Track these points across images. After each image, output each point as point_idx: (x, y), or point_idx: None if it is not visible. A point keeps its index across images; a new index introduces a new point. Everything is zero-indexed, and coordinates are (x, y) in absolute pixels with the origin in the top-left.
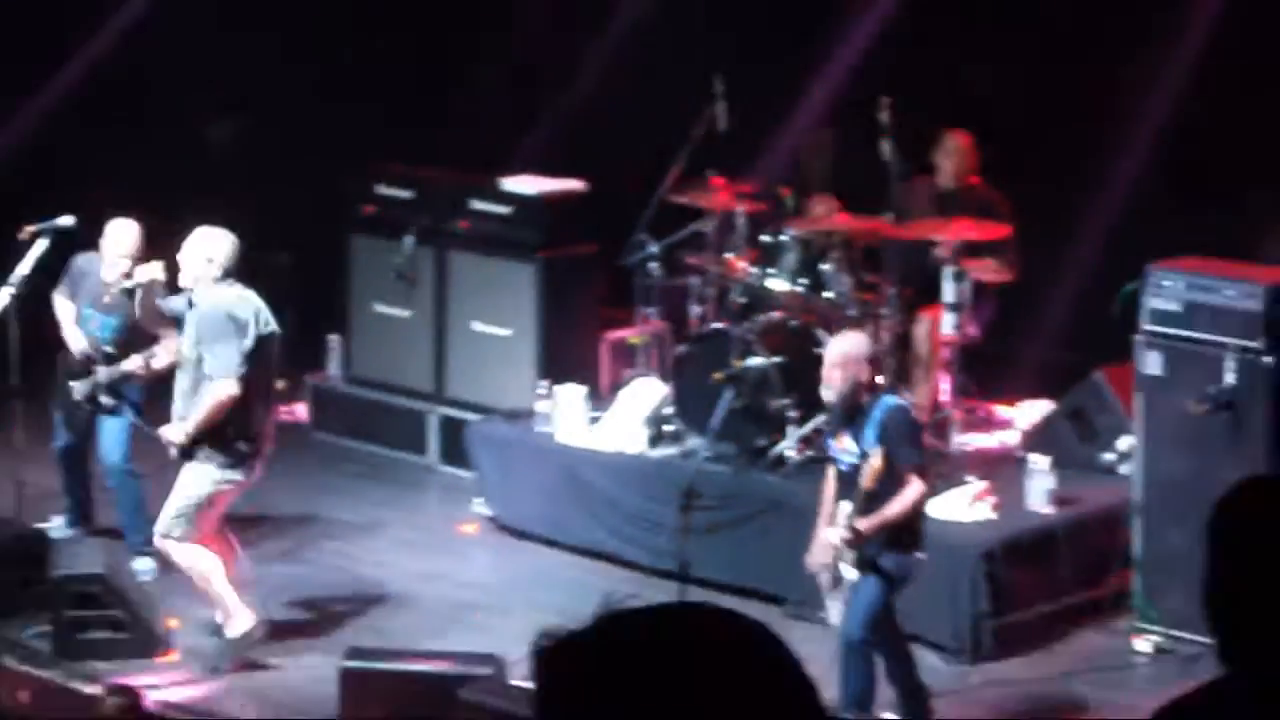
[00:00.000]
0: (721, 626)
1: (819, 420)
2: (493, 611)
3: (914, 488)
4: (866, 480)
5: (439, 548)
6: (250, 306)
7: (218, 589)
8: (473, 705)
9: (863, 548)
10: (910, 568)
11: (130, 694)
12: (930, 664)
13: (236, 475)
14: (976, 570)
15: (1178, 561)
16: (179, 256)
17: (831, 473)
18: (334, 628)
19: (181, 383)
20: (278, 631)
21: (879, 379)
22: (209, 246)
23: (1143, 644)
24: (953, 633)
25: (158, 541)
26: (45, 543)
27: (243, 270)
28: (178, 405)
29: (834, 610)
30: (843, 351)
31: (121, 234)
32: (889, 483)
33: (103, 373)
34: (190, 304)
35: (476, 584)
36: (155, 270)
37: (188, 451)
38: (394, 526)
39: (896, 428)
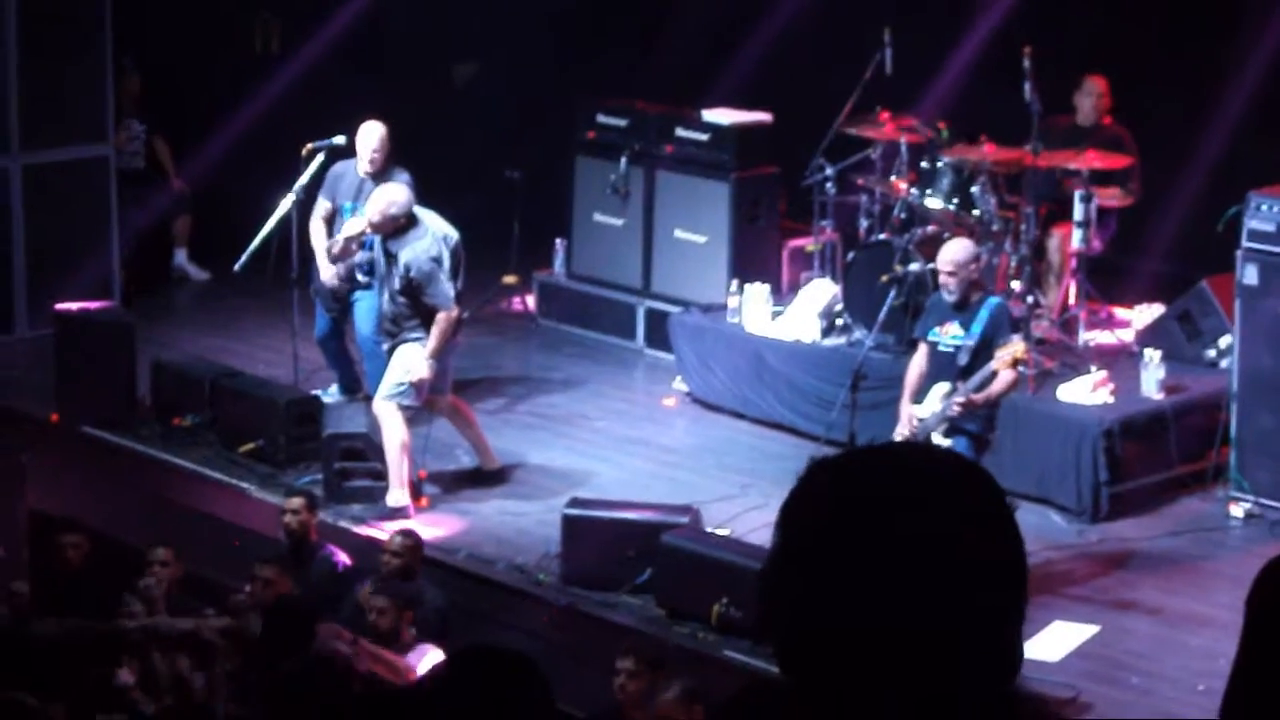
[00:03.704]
0: (956, 465)
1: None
2: (688, 470)
3: (1009, 375)
4: (1001, 363)
5: (644, 417)
6: None
7: (398, 459)
8: (672, 547)
9: (961, 419)
10: (991, 442)
11: (413, 536)
12: (1056, 523)
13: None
14: (1097, 445)
15: (1267, 441)
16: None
17: (922, 354)
18: (556, 480)
19: None
20: (511, 481)
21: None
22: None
23: (1236, 510)
24: (1076, 497)
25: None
26: (318, 406)
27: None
28: None
29: None
30: (955, 260)
31: (371, 132)
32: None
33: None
34: None
35: (675, 448)
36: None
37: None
38: (607, 399)
39: (1003, 321)
